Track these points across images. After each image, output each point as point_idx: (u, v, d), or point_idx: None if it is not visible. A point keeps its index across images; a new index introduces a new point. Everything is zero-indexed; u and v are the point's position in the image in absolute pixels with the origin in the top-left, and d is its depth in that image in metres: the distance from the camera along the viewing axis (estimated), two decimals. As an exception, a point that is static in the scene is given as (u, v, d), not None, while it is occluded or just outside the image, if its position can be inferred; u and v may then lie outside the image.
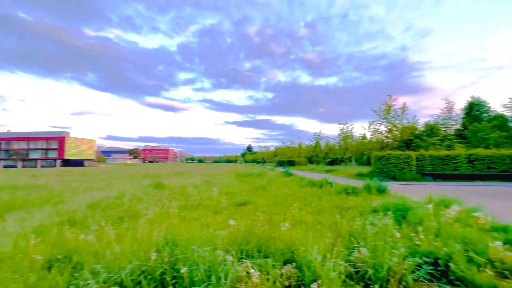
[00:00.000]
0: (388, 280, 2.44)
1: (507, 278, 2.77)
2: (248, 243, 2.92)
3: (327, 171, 25.09)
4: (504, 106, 27.76)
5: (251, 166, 55.89)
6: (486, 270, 2.81)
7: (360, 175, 17.09)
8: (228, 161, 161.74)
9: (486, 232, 3.98)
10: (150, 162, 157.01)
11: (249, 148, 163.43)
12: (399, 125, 24.08)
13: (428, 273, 2.68)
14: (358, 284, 2.43)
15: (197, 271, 2.29)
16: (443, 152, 14.81)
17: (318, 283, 2.23)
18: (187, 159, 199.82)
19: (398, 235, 3.15)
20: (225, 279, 2.20)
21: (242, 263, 2.42)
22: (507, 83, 41.80)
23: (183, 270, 2.25)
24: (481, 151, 14.34)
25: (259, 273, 2.21)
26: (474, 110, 27.52)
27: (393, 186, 11.50)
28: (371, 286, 2.40)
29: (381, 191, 8.86)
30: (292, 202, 6.82)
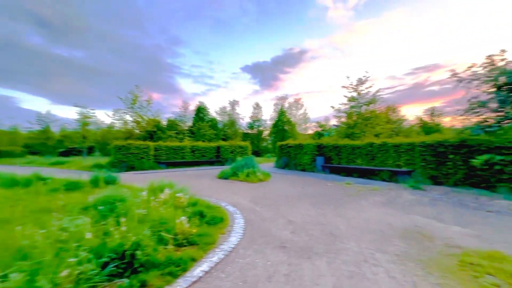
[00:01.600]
0: (45, 307, 1.81)
1: (184, 246, 3.34)
2: None
3: (54, 164, 19.75)
4: (217, 112, 39.35)
5: None
6: (169, 246, 3.18)
7: (97, 167, 15.19)
8: None
9: (184, 209, 4.80)
10: None
11: None
12: (145, 117, 25.09)
13: (116, 268, 2.46)
14: None
15: None
16: (175, 144, 17.49)
17: None
18: None
19: (89, 235, 2.66)
20: None
21: None
22: (220, 98, 60.37)
23: None
24: (200, 144, 18.83)
25: None
26: (201, 113, 35.97)
27: (129, 176, 11.34)
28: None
29: (111, 182, 8.22)
30: None
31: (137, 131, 25.19)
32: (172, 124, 30.07)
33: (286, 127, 35.76)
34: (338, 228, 4.13)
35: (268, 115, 48.99)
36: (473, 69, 9.00)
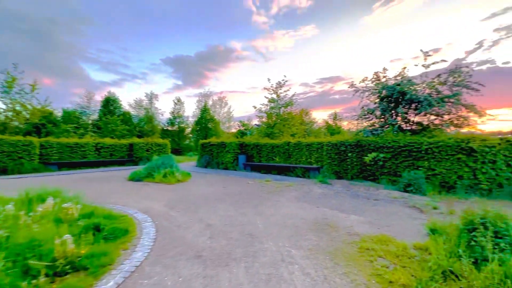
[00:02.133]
0: None
1: (67, 274, 2.56)
2: None
3: None
4: (131, 106, 34.87)
5: None
6: (41, 278, 2.36)
7: None
8: None
9: (73, 224, 3.79)
10: None
11: None
12: (28, 105, 19.78)
13: None
14: None
15: None
16: (72, 140, 14.38)
17: None
18: None
19: None
20: None
21: None
22: (137, 90, 53.57)
23: None
24: (107, 141, 16.13)
25: None
26: (110, 105, 31.08)
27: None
28: None
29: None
30: None
31: (15, 124, 19.63)
32: (69, 117, 24.88)
33: (209, 125, 35.04)
34: (257, 227, 4.10)
35: (191, 111, 46.60)
36: (366, 82, 10.88)
